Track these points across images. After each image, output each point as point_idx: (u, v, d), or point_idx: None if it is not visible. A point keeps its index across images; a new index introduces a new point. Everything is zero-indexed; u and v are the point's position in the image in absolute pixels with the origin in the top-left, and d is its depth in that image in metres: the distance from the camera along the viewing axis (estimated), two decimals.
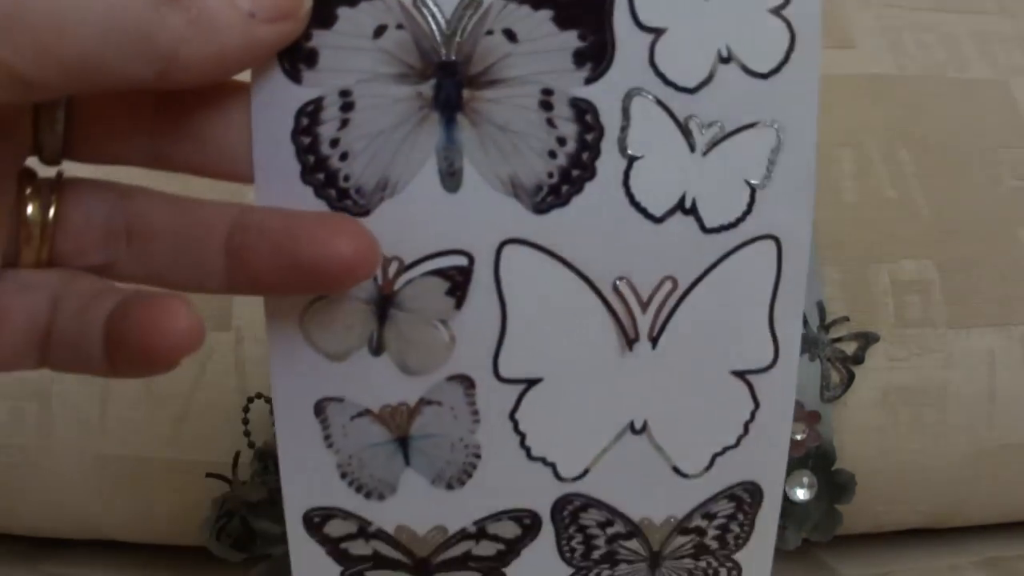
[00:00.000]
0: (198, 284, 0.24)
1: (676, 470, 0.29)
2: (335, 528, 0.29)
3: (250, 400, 0.44)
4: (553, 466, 0.28)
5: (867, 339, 0.46)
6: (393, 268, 0.26)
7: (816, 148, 0.26)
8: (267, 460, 0.44)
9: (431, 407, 0.27)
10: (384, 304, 0.26)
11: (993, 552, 0.50)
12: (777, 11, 0.25)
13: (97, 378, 0.43)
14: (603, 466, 0.29)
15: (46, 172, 0.25)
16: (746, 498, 0.30)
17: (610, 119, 0.25)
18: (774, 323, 0.28)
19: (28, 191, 0.24)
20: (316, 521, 0.29)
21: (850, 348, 0.46)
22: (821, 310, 0.46)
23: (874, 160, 0.49)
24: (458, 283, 0.26)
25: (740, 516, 0.30)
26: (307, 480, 0.28)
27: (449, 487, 0.28)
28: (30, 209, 0.23)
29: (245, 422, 0.44)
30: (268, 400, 0.45)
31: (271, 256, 0.23)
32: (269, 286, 0.24)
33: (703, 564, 0.31)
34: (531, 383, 0.27)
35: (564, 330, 0.27)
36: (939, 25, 0.54)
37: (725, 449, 0.29)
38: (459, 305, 0.26)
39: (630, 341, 0.27)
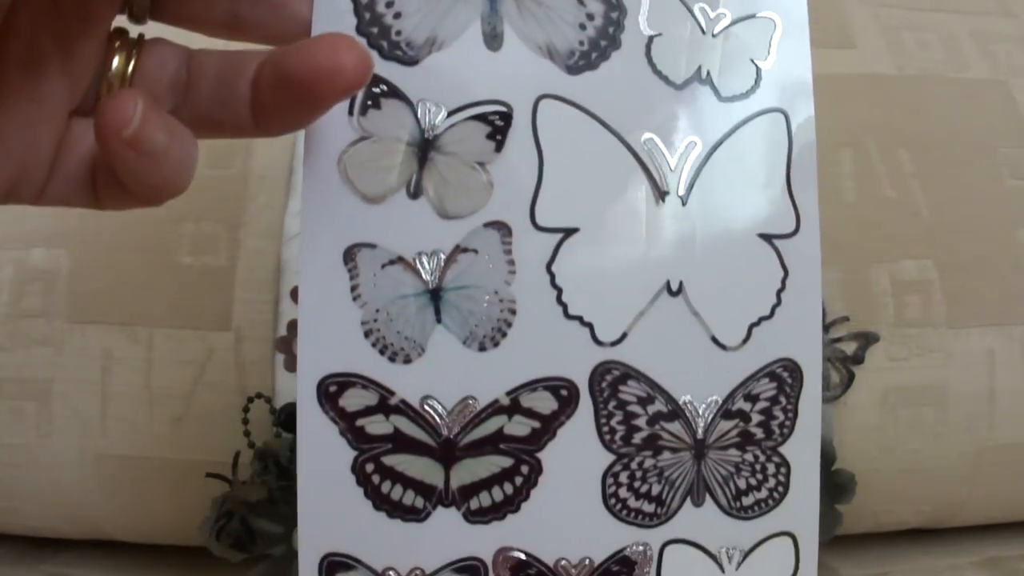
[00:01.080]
0: (233, 121, 0.26)
1: (715, 340, 0.29)
2: (353, 400, 0.27)
3: (250, 400, 0.45)
4: (591, 327, 0.28)
5: (867, 339, 0.46)
6: (436, 113, 0.27)
7: (809, 45, 0.29)
8: (267, 460, 0.44)
9: (467, 255, 0.27)
10: (425, 147, 0.27)
11: (993, 552, 0.50)
12: None
13: (97, 378, 0.43)
14: (641, 331, 0.28)
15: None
16: (787, 378, 0.29)
17: (631, 1, 0.28)
18: (792, 191, 0.29)
19: (116, 45, 0.25)
20: (332, 391, 0.27)
21: (850, 348, 0.46)
22: (821, 310, 0.46)
23: (874, 160, 0.49)
24: (498, 128, 0.27)
25: (783, 400, 0.30)
26: (327, 341, 0.27)
27: (482, 348, 0.27)
28: (115, 62, 0.25)
29: (245, 422, 0.44)
30: (268, 400, 0.45)
31: (270, 74, 0.24)
32: (273, 106, 0.25)
33: (749, 457, 0.30)
34: (568, 232, 0.28)
35: (598, 181, 0.28)
36: (939, 25, 0.54)
37: (761, 320, 0.29)
38: (499, 148, 0.27)
39: (661, 193, 0.28)
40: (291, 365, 0.45)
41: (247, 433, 0.44)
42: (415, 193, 0.27)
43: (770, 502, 0.30)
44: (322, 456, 0.27)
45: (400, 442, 0.28)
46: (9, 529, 0.50)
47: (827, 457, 0.45)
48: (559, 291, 0.28)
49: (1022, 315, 0.48)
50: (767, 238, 0.29)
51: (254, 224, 0.47)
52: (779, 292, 0.29)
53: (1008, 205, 0.50)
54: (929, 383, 0.47)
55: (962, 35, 0.54)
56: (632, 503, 0.29)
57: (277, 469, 0.43)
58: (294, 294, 0.45)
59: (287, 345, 0.45)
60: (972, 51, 0.53)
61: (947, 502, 0.50)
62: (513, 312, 0.27)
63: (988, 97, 0.52)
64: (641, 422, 0.29)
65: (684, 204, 0.28)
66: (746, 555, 0.30)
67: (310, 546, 0.28)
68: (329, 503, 0.27)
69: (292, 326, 0.45)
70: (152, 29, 0.26)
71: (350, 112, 0.27)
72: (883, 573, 0.48)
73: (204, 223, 0.47)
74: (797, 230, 0.29)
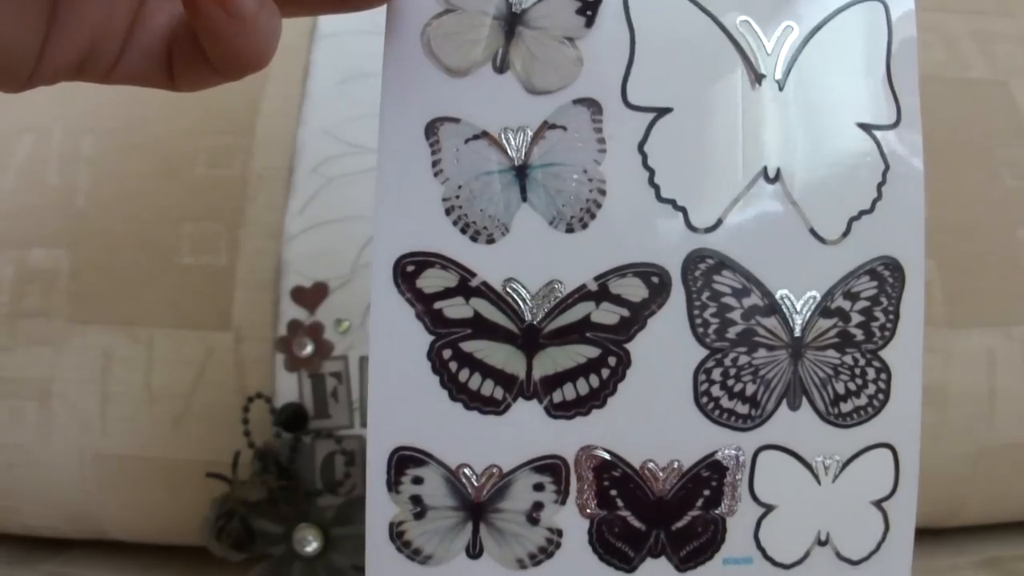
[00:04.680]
0: None
1: (813, 233, 0.28)
2: (431, 281, 0.26)
3: (250, 400, 0.44)
4: (684, 212, 0.27)
5: None
6: None
7: None
8: (267, 460, 0.44)
9: (555, 131, 0.26)
10: (513, 20, 0.26)
11: (993, 552, 0.50)
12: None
13: (97, 378, 0.43)
14: (737, 218, 0.27)
15: None
16: (888, 278, 0.28)
17: None
18: (892, 82, 0.28)
19: None
20: (409, 271, 0.26)
21: None
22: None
23: None
24: (588, 3, 0.27)
25: (884, 300, 0.28)
26: (405, 218, 0.26)
27: (569, 229, 0.26)
28: None
29: (245, 422, 0.44)
30: (268, 400, 0.45)
31: None
32: None
33: (848, 360, 0.28)
34: (661, 112, 0.27)
35: (692, 62, 0.27)
36: (939, 25, 0.54)
37: (862, 214, 0.28)
38: (589, 24, 0.26)
39: (758, 76, 0.27)
40: (291, 365, 0.45)
41: (247, 433, 0.44)
42: (501, 67, 0.26)
43: (869, 410, 0.28)
44: (397, 341, 0.26)
45: (480, 327, 0.26)
46: (9, 529, 0.50)
47: None
48: (651, 172, 0.27)
49: (1022, 315, 0.48)
50: (867, 128, 0.28)
51: (254, 224, 0.47)
52: (880, 186, 0.28)
53: (1008, 205, 0.49)
54: (929, 383, 0.47)
55: (962, 35, 0.54)
56: (725, 403, 0.27)
57: (277, 469, 0.43)
58: (294, 294, 0.45)
59: (287, 345, 0.45)
60: (972, 51, 0.53)
61: (947, 502, 0.51)
62: (603, 193, 0.26)
63: (988, 97, 0.52)
64: (736, 316, 0.27)
65: (781, 89, 0.27)
66: (843, 467, 0.28)
67: (380, 439, 0.26)
68: (402, 392, 0.26)
69: (292, 326, 0.45)
70: None
71: None
72: None
73: (204, 223, 0.47)
74: (898, 122, 0.28)
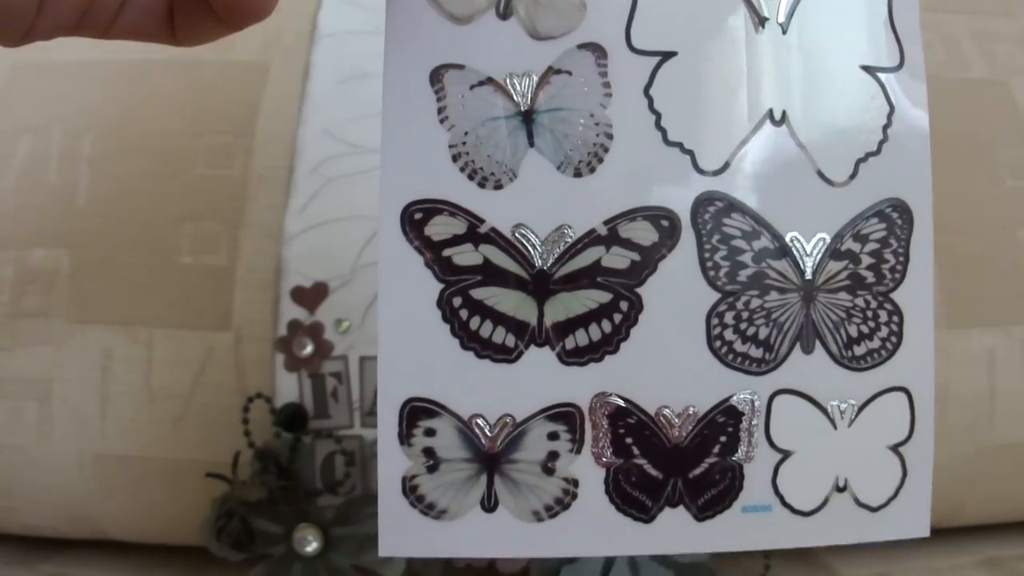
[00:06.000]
0: None
1: (821, 175, 0.28)
2: (439, 228, 0.26)
3: (250, 400, 0.44)
4: (691, 155, 0.27)
5: None
6: None
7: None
8: (267, 460, 0.44)
9: (560, 76, 0.26)
10: None
11: (993, 552, 0.50)
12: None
13: (97, 378, 0.43)
14: (745, 160, 0.27)
15: None
16: (896, 219, 0.28)
17: None
18: (895, 24, 0.28)
19: None
20: (417, 218, 0.26)
21: None
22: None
23: None
24: None
25: (893, 242, 0.28)
26: (412, 165, 0.26)
27: (577, 174, 0.26)
28: None
29: (245, 422, 0.44)
30: (268, 400, 0.45)
31: None
32: None
33: (860, 302, 0.28)
34: (665, 56, 0.27)
35: (695, 5, 0.27)
36: (939, 25, 0.54)
37: (868, 155, 0.28)
38: None
39: (761, 19, 0.27)
40: (291, 365, 0.45)
41: (247, 433, 0.44)
42: (505, 13, 0.26)
43: (883, 352, 0.29)
44: (406, 289, 0.26)
45: (490, 273, 0.26)
46: (9, 529, 0.50)
47: None
48: (658, 116, 0.27)
49: (1022, 315, 0.48)
50: (871, 71, 0.28)
51: (254, 224, 0.47)
52: (885, 128, 0.28)
53: (1008, 205, 0.50)
54: None
55: (962, 35, 0.54)
56: (739, 346, 0.27)
57: (277, 469, 0.43)
58: (294, 294, 0.45)
59: (287, 345, 0.45)
60: (972, 51, 0.53)
61: (947, 502, 0.51)
62: (610, 136, 0.26)
63: (988, 97, 0.52)
64: (747, 258, 0.27)
65: (784, 32, 0.27)
66: (859, 411, 0.28)
67: (391, 391, 0.26)
68: (413, 341, 0.26)
69: (292, 326, 0.45)
70: None
71: None
72: (883, 573, 0.48)
73: (204, 223, 0.47)
74: (901, 64, 0.28)
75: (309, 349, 0.45)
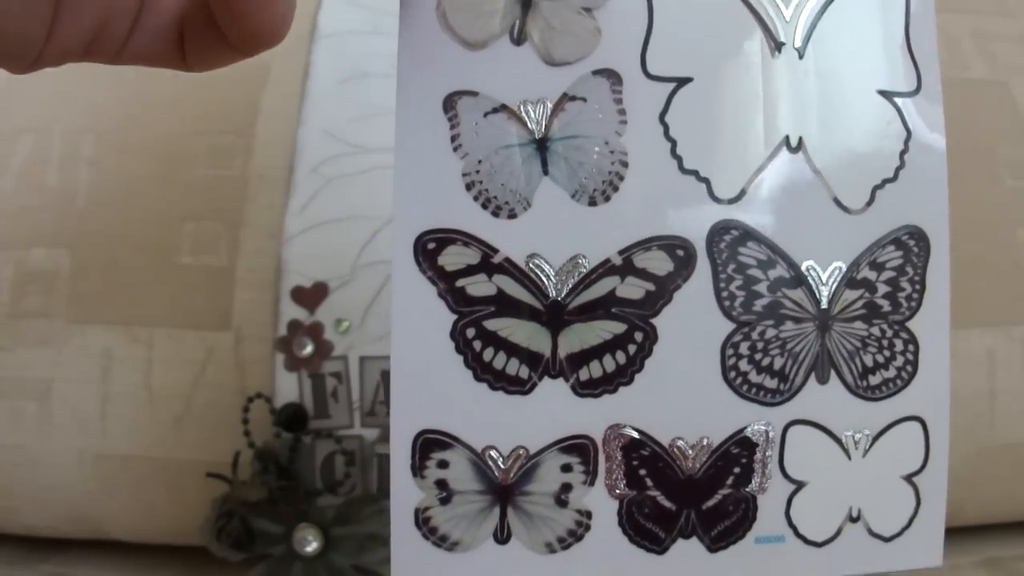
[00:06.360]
0: None
1: (837, 203, 0.27)
2: (453, 258, 0.25)
3: (250, 400, 0.44)
4: (707, 183, 0.26)
5: None
6: None
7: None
8: (267, 460, 0.44)
9: (575, 103, 0.26)
10: None
11: (993, 552, 0.50)
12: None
13: (97, 378, 0.43)
14: (761, 188, 0.27)
15: None
16: (913, 247, 0.28)
17: None
18: (912, 47, 0.28)
19: None
20: (430, 248, 0.25)
21: None
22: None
23: None
24: None
25: (909, 270, 0.28)
26: (425, 194, 0.25)
27: (592, 203, 0.26)
28: None
29: (245, 422, 0.44)
30: (268, 400, 0.45)
31: None
32: None
33: (876, 331, 0.28)
34: (681, 82, 0.26)
35: (711, 30, 0.27)
36: (939, 25, 0.54)
37: (885, 182, 0.28)
38: None
39: (777, 44, 0.27)
40: (291, 365, 0.45)
41: (247, 433, 0.44)
42: (519, 39, 0.26)
43: (898, 382, 0.28)
44: (419, 320, 0.25)
45: (504, 304, 0.26)
46: (9, 529, 0.50)
47: None
48: (673, 143, 0.26)
49: (1022, 315, 0.48)
50: (888, 95, 0.28)
51: (254, 224, 0.47)
52: (903, 154, 0.28)
53: (1008, 205, 0.50)
54: None
55: (962, 35, 0.54)
56: (753, 377, 0.27)
57: (277, 469, 0.43)
58: (294, 294, 0.45)
59: (287, 345, 0.45)
60: (972, 51, 0.53)
61: (947, 502, 0.50)
62: (625, 165, 0.26)
63: (988, 97, 0.52)
64: (762, 288, 0.27)
65: (801, 57, 0.27)
66: (873, 441, 0.28)
67: (403, 422, 0.26)
68: (426, 373, 0.25)
69: (292, 326, 0.45)
70: None
71: None
72: (883, 572, 0.48)
73: (204, 223, 0.47)
74: (919, 89, 0.28)
75: (309, 349, 0.45)
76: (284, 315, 0.46)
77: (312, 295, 0.46)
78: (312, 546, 0.43)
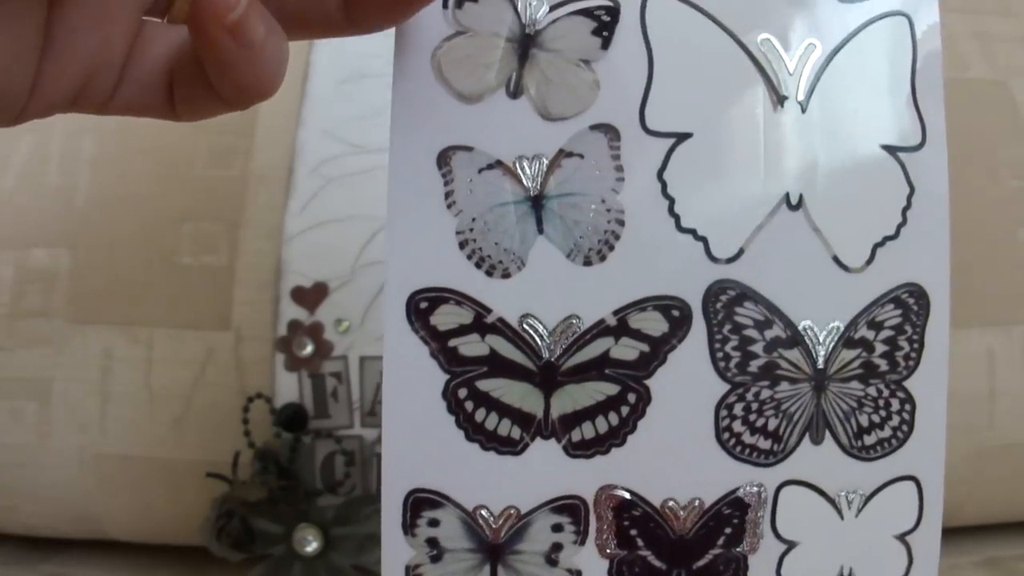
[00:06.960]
0: (323, 19, 0.24)
1: (837, 261, 0.27)
2: (446, 317, 0.25)
3: (250, 400, 0.45)
4: (705, 242, 0.26)
5: None
6: (537, 6, 0.25)
7: None
8: (267, 460, 0.44)
9: (572, 160, 0.25)
10: (526, 42, 0.25)
11: (993, 552, 0.50)
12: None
13: (97, 378, 0.43)
14: (759, 247, 0.26)
15: None
16: (912, 305, 0.27)
17: None
18: (917, 101, 0.28)
19: None
20: (423, 307, 0.25)
21: None
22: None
23: None
24: (605, 23, 0.26)
25: (908, 329, 0.27)
26: (418, 252, 0.25)
27: (587, 262, 0.25)
28: None
29: (245, 422, 0.44)
30: (268, 400, 0.45)
31: None
32: (368, 1, 0.23)
33: (872, 391, 0.27)
34: (680, 138, 0.26)
35: (712, 83, 0.26)
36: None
37: (886, 240, 0.27)
38: (605, 46, 0.26)
39: (780, 98, 0.26)
40: (291, 365, 0.45)
41: (247, 433, 0.44)
42: (515, 92, 0.25)
43: (893, 442, 0.28)
44: (411, 380, 0.25)
45: (496, 365, 0.25)
46: (9, 529, 0.50)
47: None
48: (671, 201, 0.26)
49: (1022, 315, 0.48)
50: (891, 150, 0.27)
51: (254, 224, 0.47)
52: (904, 210, 0.27)
53: (1008, 205, 0.50)
54: None
55: (962, 35, 0.54)
56: (747, 438, 0.26)
57: (277, 469, 0.43)
58: (294, 294, 0.45)
59: (287, 345, 0.45)
60: (972, 51, 0.53)
61: (947, 502, 0.50)
62: (621, 223, 0.25)
63: (988, 97, 0.52)
64: (758, 348, 0.26)
65: (804, 111, 0.27)
66: (867, 500, 0.28)
67: (395, 481, 0.25)
68: (417, 432, 0.25)
69: (292, 326, 0.45)
70: None
71: (445, 5, 0.25)
72: None
73: (204, 223, 0.47)
74: (923, 143, 0.28)
75: (309, 349, 0.45)
76: (284, 315, 0.46)
77: (312, 295, 0.46)
78: (312, 546, 0.43)
